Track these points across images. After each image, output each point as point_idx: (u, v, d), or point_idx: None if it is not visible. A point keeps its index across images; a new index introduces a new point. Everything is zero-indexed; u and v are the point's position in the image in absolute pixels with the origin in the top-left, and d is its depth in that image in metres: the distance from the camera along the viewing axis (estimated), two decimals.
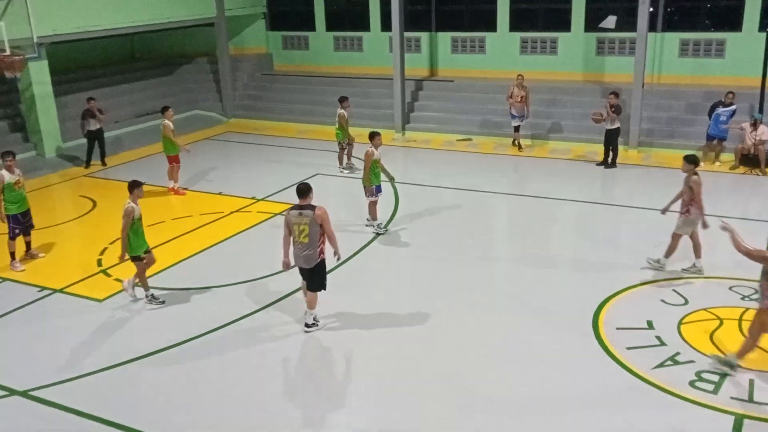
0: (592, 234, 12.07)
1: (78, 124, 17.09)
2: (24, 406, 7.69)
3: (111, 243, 12.13)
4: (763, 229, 11.49)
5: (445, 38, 21.21)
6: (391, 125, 19.34)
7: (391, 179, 11.87)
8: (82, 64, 22.56)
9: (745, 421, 6.95)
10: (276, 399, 7.66)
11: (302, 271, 8.81)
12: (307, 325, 8.95)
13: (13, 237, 11.15)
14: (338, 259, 9.00)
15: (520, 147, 17.41)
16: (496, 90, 19.56)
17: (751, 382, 7.55)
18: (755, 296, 9.34)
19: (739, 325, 8.71)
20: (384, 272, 10.72)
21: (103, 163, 17.33)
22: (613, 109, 15.34)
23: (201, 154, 17.65)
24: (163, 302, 9.82)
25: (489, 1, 20.24)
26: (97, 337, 9.07)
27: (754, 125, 15.10)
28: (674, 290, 9.68)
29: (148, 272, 9.98)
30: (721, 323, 8.79)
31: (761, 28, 17.14)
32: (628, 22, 17.73)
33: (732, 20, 17.73)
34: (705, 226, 9.95)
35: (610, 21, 17.24)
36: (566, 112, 18.32)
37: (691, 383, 7.56)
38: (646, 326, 8.76)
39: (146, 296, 9.87)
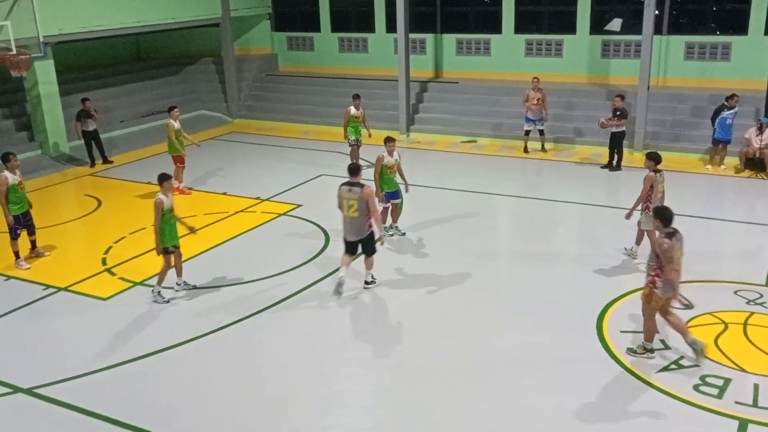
0: (596, 236, 12.05)
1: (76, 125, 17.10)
2: (28, 403, 7.71)
3: (115, 242, 12.17)
4: None
5: (450, 40, 21.20)
6: (395, 126, 19.33)
7: (405, 184, 11.81)
8: (88, 63, 22.61)
9: (750, 426, 6.93)
10: (280, 399, 7.66)
11: (349, 243, 9.75)
12: (366, 282, 10.09)
13: (15, 237, 11.19)
14: (381, 244, 9.90)
15: (544, 150, 17.30)
16: (500, 92, 19.59)
17: (756, 387, 7.52)
18: (761, 300, 9.35)
19: (744, 330, 8.69)
20: (387, 272, 10.71)
21: (107, 161, 17.37)
22: (618, 113, 15.32)
23: (206, 154, 17.67)
24: (168, 302, 9.85)
25: (494, 2, 20.25)
26: (102, 336, 9.08)
27: (760, 129, 15.06)
28: (679, 294, 9.63)
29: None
30: (726, 327, 8.76)
31: (767, 32, 17.12)
32: (633, 25, 17.72)
33: (738, 23, 17.68)
34: (627, 216, 10.47)
35: (616, 24, 17.22)
36: (571, 114, 18.30)
37: (696, 387, 7.54)
38: None
39: (153, 290, 9.93)
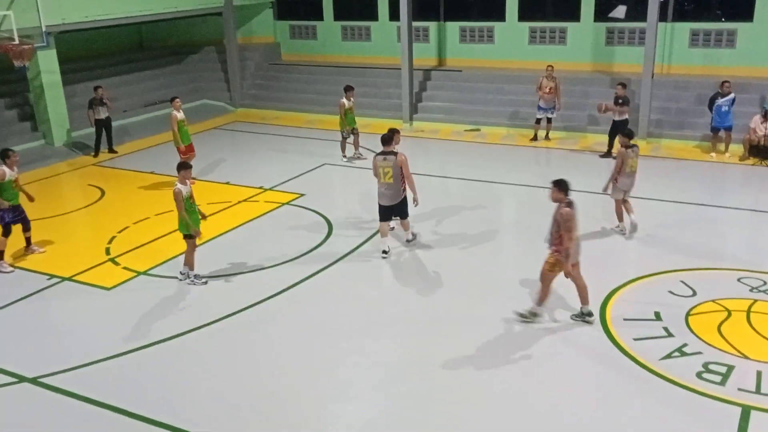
0: (599, 225, 12.02)
1: (85, 114, 17.12)
2: (33, 393, 7.75)
3: (119, 231, 12.19)
4: None
5: (453, 28, 21.10)
6: (398, 115, 19.30)
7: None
8: (91, 53, 22.58)
9: (753, 413, 6.94)
10: (284, 388, 7.68)
11: (384, 208, 10.55)
12: (408, 240, 11.10)
13: (6, 234, 10.82)
14: (416, 204, 10.59)
15: (548, 138, 17.29)
16: (504, 80, 19.51)
17: (759, 374, 7.52)
18: (764, 288, 9.33)
19: (748, 317, 8.68)
20: (390, 263, 10.72)
21: (112, 151, 17.38)
22: (620, 101, 15.23)
23: (209, 143, 17.66)
24: (206, 282, 10.06)
25: None
26: (105, 325, 9.13)
27: (765, 116, 14.99)
28: (682, 281, 9.63)
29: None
30: (729, 314, 8.75)
31: None
32: (638, 12, 17.60)
33: (743, 10, 17.54)
34: (604, 189, 11.20)
35: (620, 11, 17.09)
36: (575, 102, 18.21)
37: (699, 374, 7.55)
38: (654, 317, 8.73)
39: (183, 273, 10.08)
